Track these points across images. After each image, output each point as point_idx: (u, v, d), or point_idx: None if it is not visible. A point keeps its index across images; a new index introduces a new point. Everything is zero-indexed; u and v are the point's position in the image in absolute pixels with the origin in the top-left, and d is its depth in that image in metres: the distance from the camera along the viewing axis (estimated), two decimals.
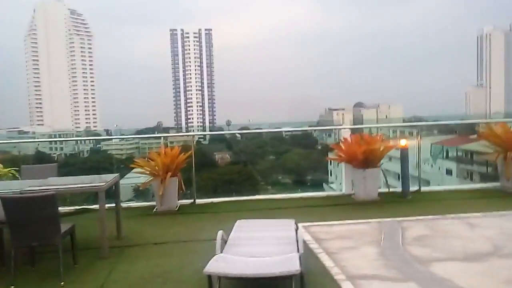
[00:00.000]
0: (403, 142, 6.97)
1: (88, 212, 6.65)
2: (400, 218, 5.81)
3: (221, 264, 3.45)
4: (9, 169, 6.59)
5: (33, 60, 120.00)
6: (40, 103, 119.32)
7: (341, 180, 7.75)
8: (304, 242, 4.47)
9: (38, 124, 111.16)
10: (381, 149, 6.88)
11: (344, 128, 7.61)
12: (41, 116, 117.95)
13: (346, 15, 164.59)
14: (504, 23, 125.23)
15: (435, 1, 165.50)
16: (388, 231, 5.32)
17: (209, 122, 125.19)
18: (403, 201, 6.94)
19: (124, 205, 7.03)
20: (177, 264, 4.46)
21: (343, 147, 7.16)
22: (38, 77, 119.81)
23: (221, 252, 3.74)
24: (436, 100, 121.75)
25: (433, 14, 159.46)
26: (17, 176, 6.49)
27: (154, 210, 6.79)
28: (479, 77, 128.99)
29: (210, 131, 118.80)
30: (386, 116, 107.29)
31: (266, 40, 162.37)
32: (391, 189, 7.32)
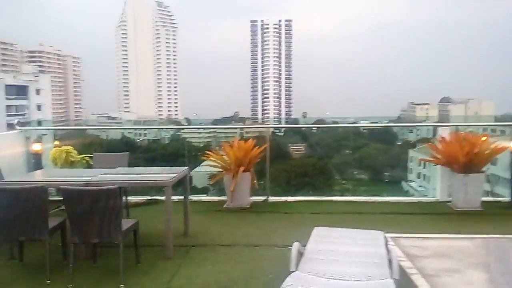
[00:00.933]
0: None
1: (158, 203, 6.40)
2: (511, 235, 4.84)
3: (297, 284, 2.86)
4: (83, 156, 6.49)
5: (123, 50, 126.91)
6: (127, 91, 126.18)
7: (432, 183, 6.82)
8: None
9: (125, 111, 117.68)
10: (486, 151, 5.86)
11: (444, 126, 6.60)
12: (128, 103, 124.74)
13: (433, 6, 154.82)
14: None
15: None
16: (498, 251, 4.40)
17: (285, 114, 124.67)
18: (510, 212, 5.88)
19: (194, 198, 6.71)
20: (245, 273, 3.96)
21: (440, 147, 6.20)
22: (126, 66, 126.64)
23: (297, 268, 3.15)
24: None
25: None
26: (91, 163, 6.37)
27: (224, 205, 6.37)
28: None
29: (286, 123, 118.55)
30: (476, 113, 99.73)
31: (347, 32, 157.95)
32: (497, 198, 6.25)
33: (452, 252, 4.39)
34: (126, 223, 3.86)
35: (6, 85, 54.91)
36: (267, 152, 6.52)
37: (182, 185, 5.07)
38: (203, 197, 6.94)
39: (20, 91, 57.09)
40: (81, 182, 4.17)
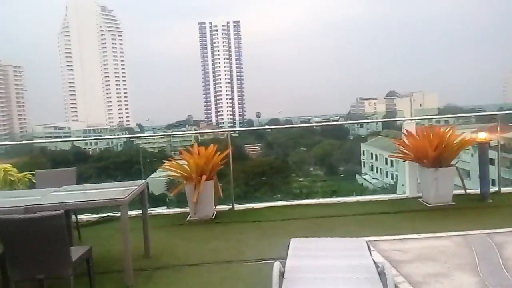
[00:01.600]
0: (482, 135, 5.78)
1: (113, 221, 5.82)
2: (490, 230, 4.67)
3: None
4: (25, 173, 5.81)
5: (67, 57, 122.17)
6: (74, 99, 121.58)
7: (400, 179, 6.63)
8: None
9: (73, 120, 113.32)
10: (455, 144, 5.72)
11: (408, 120, 6.42)
12: (76, 111, 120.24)
13: (378, 2, 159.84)
14: None
15: None
16: (480, 249, 4.21)
17: (239, 115, 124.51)
18: (483, 205, 5.78)
19: (153, 211, 6.19)
20: None
21: (407, 142, 6.02)
22: (71, 73, 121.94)
23: None
24: (472, 88, 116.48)
25: None
26: (34, 181, 5.70)
27: (188, 218, 5.88)
28: None
29: (240, 123, 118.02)
30: (421, 105, 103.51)
31: (296, 31, 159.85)
32: (467, 191, 6.14)
33: (435, 253, 4.16)
34: (76, 252, 3.33)
35: None
36: (229, 158, 6.10)
37: (139, 199, 4.56)
38: (163, 210, 6.41)
39: None
40: (19, 208, 3.58)
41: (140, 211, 4.60)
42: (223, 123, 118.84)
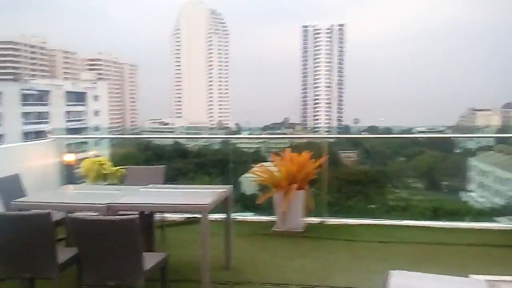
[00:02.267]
0: None
1: (198, 222, 5.62)
2: None
3: None
4: (118, 167, 5.85)
5: (176, 57, 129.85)
6: (180, 97, 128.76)
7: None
8: None
9: (177, 117, 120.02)
10: None
11: None
12: (180, 109, 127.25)
13: (491, 5, 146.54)
14: None
15: None
16: None
17: (337, 120, 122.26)
18: None
19: (239, 217, 5.90)
20: None
21: None
22: (179, 73, 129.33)
23: None
24: None
25: None
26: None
27: (274, 228, 5.49)
28: None
29: (337, 129, 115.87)
30: None
31: (401, 35, 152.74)
32: None
33: None
34: (151, 259, 3.08)
35: (66, 92, 57.17)
36: (325, 166, 5.59)
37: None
38: (249, 216, 6.09)
39: (79, 97, 59.29)
40: (102, 206, 3.45)
41: (225, 215, 4.30)
42: (320, 127, 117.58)
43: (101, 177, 5.63)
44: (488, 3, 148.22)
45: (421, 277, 3.11)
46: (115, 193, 4.00)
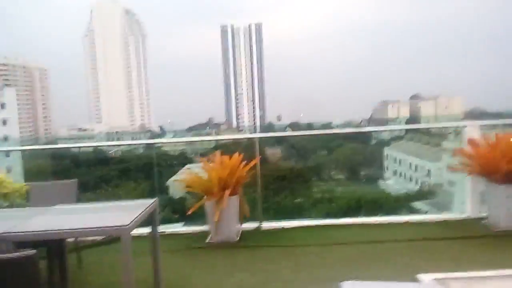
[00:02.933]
0: None
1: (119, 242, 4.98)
2: None
3: None
4: (22, 184, 5.02)
5: (91, 60, 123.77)
6: (98, 101, 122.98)
7: (459, 195, 5.63)
8: None
9: (97, 122, 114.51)
10: None
11: (470, 124, 5.38)
12: (99, 114, 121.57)
13: (403, 5, 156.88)
14: None
15: None
16: None
17: (260, 118, 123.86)
18: None
19: (167, 229, 5.35)
20: None
21: (471, 152, 5.02)
22: (95, 76, 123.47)
23: None
24: (500, 92, 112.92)
25: (495, 4, 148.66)
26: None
27: (207, 240, 5.01)
28: None
29: (260, 126, 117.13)
30: (446, 108, 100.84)
31: (317, 33, 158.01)
32: None
33: None
34: None
35: None
36: (258, 167, 5.22)
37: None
38: (179, 229, 5.56)
39: None
40: None
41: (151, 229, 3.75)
42: (244, 125, 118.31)
43: (1, 197, 4.79)
44: (399, 2, 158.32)
45: (373, 287, 2.83)
46: (14, 217, 3.31)
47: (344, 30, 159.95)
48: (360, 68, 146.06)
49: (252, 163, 5.04)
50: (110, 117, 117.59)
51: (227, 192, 4.76)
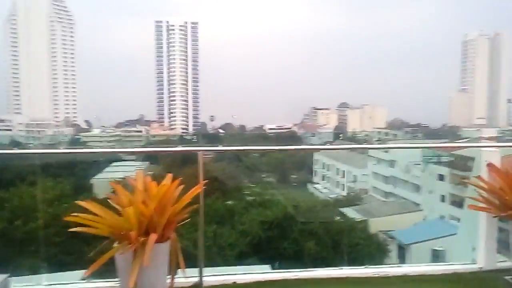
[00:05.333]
0: None
1: None
2: None
3: None
4: None
5: (12, 46, 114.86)
6: (18, 91, 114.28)
7: (466, 239, 4.18)
8: None
9: (16, 113, 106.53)
10: None
11: (489, 147, 4.02)
12: (19, 104, 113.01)
13: (336, 16, 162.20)
14: (489, 29, 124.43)
15: (422, 7, 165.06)
16: None
17: (193, 117, 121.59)
18: None
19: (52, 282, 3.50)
20: None
21: (489, 181, 3.69)
22: (16, 64, 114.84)
23: None
24: (420, 104, 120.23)
25: (420, 20, 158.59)
26: None
27: None
28: (462, 82, 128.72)
29: (193, 126, 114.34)
30: (371, 118, 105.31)
31: (252, 37, 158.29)
32: None
33: None
34: None
35: None
36: (201, 197, 3.51)
37: None
38: (78, 284, 3.68)
39: None
40: None
41: None
42: (176, 124, 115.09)
43: None
44: (329, 11, 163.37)
45: None
46: None
47: (280, 35, 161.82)
48: (293, 74, 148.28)
49: (193, 192, 3.32)
50: (31, 108, 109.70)
51: (153, 237, 3.02)
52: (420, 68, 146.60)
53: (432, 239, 15.05)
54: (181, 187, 3.25)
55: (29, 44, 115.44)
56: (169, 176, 3.28)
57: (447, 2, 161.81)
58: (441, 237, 14.48)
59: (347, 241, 11.95)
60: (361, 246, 12.41)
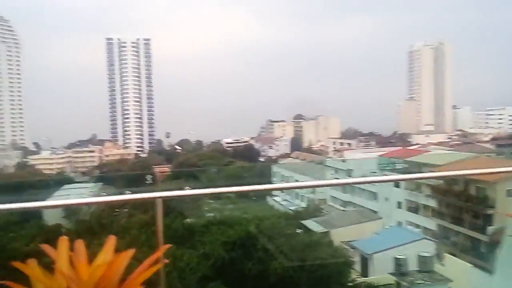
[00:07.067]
0: None
1: None
2: None
3: None
4: None
5: None
6: None
7: None
8: None
9: None
10: None
11: None
12: None
13: (287, 30, 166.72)
14: (433, 39, 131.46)
15: (370, 19, 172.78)
16: None
17: (148, 135, 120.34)
18: None
19: None
20: None
21: None
22: None
23: None
24: (371, 112, 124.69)
25: (368, 31, 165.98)
26: None
27: None
28: (409, 90, 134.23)
29: (149, 143, 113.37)
30: (326, 128, 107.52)
31: (206, 53, 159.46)
32: None
33: None
34: None
35: None
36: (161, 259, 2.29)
37: None
38: None
39: None
40: None
41: None
42: (130, 142, 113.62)
43: None
44: (281, 25, 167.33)
45: None
46: None
47: (233, 51, 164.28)
48: (248, 87, 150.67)
49: (150, 270, 1.66)
50: None
51: None
52: (369, 78, 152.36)
53: (394, 247, 15.03)
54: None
55: None
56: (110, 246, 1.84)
57: (393, 13, 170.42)
58: (402, 244, 14.76)
59: (313, 257, 11.63)
60: (327, 260, 12.06)
